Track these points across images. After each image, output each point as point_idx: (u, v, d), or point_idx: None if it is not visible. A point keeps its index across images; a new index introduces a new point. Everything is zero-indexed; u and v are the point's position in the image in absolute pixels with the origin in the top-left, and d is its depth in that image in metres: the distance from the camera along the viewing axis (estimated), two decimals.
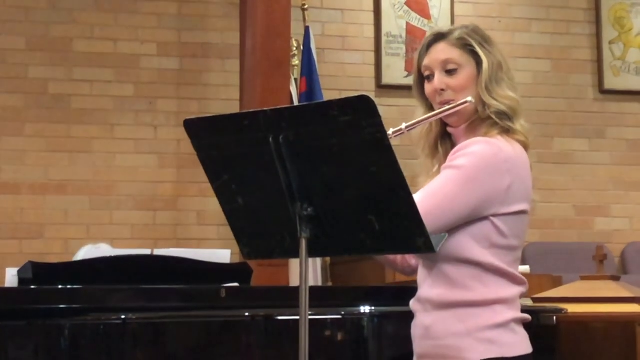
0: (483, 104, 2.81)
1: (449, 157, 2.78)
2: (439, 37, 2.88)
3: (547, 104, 8.49)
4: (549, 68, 8.71)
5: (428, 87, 2.89)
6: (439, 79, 2.84)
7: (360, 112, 2.35)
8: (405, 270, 3.00)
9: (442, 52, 2.86)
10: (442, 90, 2.84)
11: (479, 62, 2.83)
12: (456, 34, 2.86)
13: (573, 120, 8.67)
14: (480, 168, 2.71)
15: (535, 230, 8.09)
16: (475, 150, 2.72)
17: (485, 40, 2.87)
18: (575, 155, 8.63)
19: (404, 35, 8.40)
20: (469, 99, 2.80)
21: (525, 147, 2.82)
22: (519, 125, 2.82)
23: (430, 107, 2.91)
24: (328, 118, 2.38)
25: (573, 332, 4.01)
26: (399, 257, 2.97)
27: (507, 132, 2.80)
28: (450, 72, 2.84)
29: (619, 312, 4.04)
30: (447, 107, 2.82)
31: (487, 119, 2.82)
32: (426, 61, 2.89)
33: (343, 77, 8.26)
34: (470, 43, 2.85)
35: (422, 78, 2.93)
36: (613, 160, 8.72)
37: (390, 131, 2.70)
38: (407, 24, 8.42)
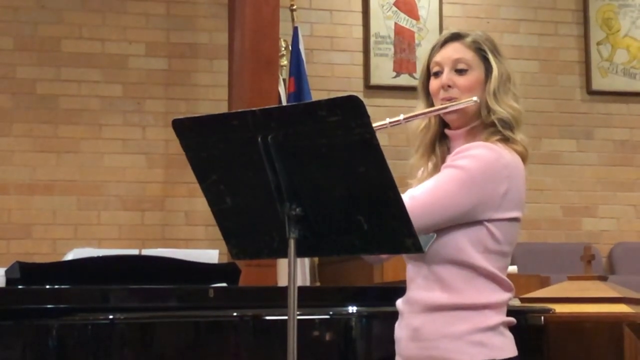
0: (488, 109, 2.82)
1: (450, 158, 2.80)
2: (455, 37, 2.90)
3: (535, 104, 8.50)
4: (537, 69, 8.73)
5: (434, 83, 2.88)
6: (448, 76, 2.84)
7: (348, 112, 2.35)
8: (376, 261, 3.01)
9: (456, 51, 2.87)
10: (449, 86, 2.84)
11: (488, 69, 2.85)
12: (471, 38, 2.88)
13: (561, 121, 8.70)
14: (481, 171, 2.72)
15: (523, 230, 8.01)
16: (477, 154, 2.74)
17: (496, 50, 2.90)
18: (562, 155, 8.65)
19: (392, 35, 8.40)
20: (474, 98, 2.81)
21: (523, 158, 2.85)
22: (519, 136, 2.84)
23: (430, 104, 2.91)
24: (316, 118, 2.38)
25: (561, 332, 4.02)
26: None
27: (506, 140, 2.81)
28: (460, 72, 2.85)
29: (607, 312, 4.05)
30: (451, 103, 2.82)
31: (489, 126, 2.83)
32: (437, 57, 2.88)
33: (331, 77, 8.27)
34: (484, 49, 2.87)
35: (429, 74, 2.92)
36: (600, 161, 8.75)
37: (386, 120, 2.71)
38: (396, 24, 8.43)
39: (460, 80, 2.84)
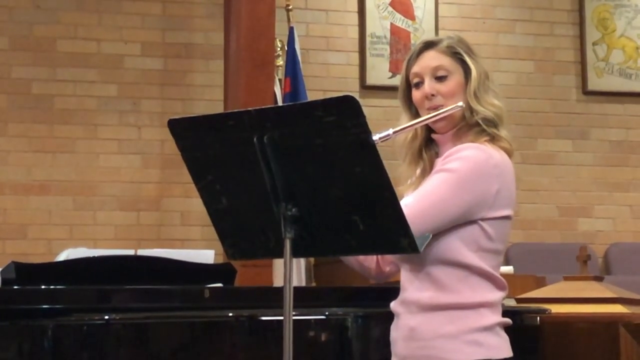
0: (471, 110, 2.86)
1: (441, 162, 2.83)
2: (429, 45, 2.94)
3: (530, 105, 8.51)
4: (533, 69, 8.73)
5: (417, 94, 2.92)
6: (430, 85, 2.88)
7: (344, 112, 2.35)
8: (379, 277, 3.03)
9: (433, 59, 2.90)
10: (433, 95, 2.88)
11: (466, 71, 2.89)
12: (445, 43, 2.92)
13: (556, 121, 8.69)
14: (472, 172, 2.76)
15: (519, 230, 8.11)
16: (467, 155, 2.77)
17: (471, 51, 2.94)
18: (558, 156, 8.65)
19: (388, 36, 8.40)
20: (460, 103, 2.85)
21: (509, 154, 2.88)
22: (504, 132, 2.88)
23: (415, 115, 2.95)
24: (313, 118, 2.38)
25: (556, 333, 4.02)
26: (373, 264, 2.99)
27: (493, 139, 2.85)
28: (440, 79, 2.89)
29: (603, 312, 4.05)
30: (439, 111, 2.86)
31: (474, 126, 2.87)
32: (416, 68, 2.92)
33: (327, 77, 8.26)
34: (459, 51, 2.90)
35: (409, 86, 2.96)
36: (596, 161, 8.75)
37: (376, 137, 2.72)
38: (392, 24, 8.43)
39: (442, 87, 2.89)
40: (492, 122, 2.86)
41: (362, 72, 8.36)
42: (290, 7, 7.68)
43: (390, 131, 2.81)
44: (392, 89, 8.20)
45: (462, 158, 2.77)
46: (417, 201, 2.73)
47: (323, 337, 3.49)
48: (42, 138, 7.69)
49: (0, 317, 3.13)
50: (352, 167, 2.40)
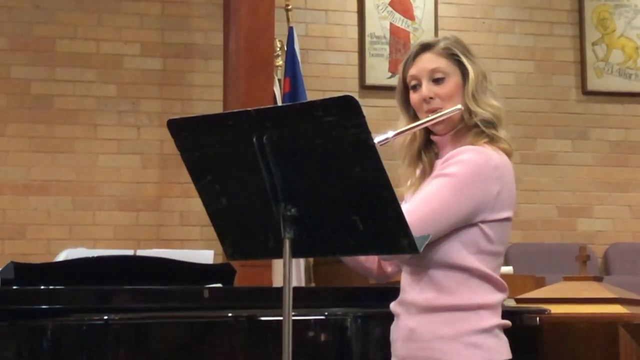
0: (469, 112, 2.85)
1: (440, 166, 2.82)
2: (425, 47, 2.92)
3: (530, 105, 8.51)
4: (532, 69, 8.73)
5: (414, 96, 2.91)
6: (427, 88, 2.87)
7: (344, 112, 2.35)
8: (380, 278, 3.02)
9: (430, 61, 2.89)
10: (431, 98, 2.87)
11: (464, 72, 2.88)
12: (442, 45, 2.91)
13: (556, 121, 8.69)
14: (472, 175, 2.75)
15: (518, 231, 8.11)
16: (466, 158, 2.76)
17: (468, 51, 2.92)
18: (558, 156, 8.65)
19: (387, 36, 8.40)
20: (459, 106, 2.84)
21: (509, 154, 2.87)
22: (503, 133, 2.87)
23: (413, 117, 2.94)
24: (312, 118, 2.38)
25: (556, 333, 4.01)
26: (374, 265, 2.99)
27: (492, 140, 2.84)
28: (437, 81, 2.88)
29: (602, 312, 4.04)
30: (437, 114, 2.85)
31: (473, 127, 2.86)
32: (413, 71, 2.91)
33: (326, 77, 8.26)
34: (456, 53, 2.89)
35: (406, 88, 2.95)
36: (596, 162, 8.74)
37: (376, 140, 2.71)
38: (391, 24, 8.42)
39: (440, 90, 2.87)
40: (491, 124, 2.85)
41: (362, 72, 8.36)
42: (289, 7, 7.68)
43: (390, 134, 2.81)
44: (391, 89, 8.11)
45: (462, 161, 2.76)
46: (417, 207, 2.72)
47: (322, 338, 3.49)
48: (41, 138, 7.69)
49: None
50: (352, 167, 2.39)
